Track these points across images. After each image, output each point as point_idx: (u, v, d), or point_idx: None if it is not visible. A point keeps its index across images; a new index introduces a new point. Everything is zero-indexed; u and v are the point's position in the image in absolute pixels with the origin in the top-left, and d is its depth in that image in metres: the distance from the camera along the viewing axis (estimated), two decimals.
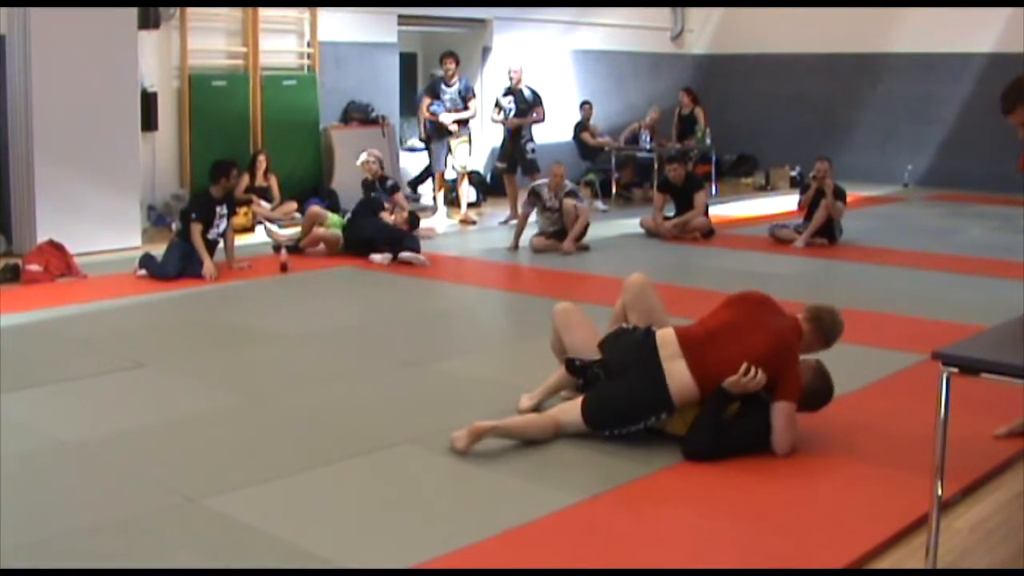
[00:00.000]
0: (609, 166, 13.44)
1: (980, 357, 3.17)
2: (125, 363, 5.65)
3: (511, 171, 11.53)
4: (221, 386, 5.28)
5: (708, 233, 10.29)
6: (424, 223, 10.11)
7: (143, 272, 7.98)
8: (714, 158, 14.20)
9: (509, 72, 11.57)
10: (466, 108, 11.12)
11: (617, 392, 4.40)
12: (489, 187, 13.05)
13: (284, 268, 8.27)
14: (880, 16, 14.79)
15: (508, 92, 11.50)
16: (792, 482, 4.12)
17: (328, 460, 4.26)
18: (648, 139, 13.31)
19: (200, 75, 10.79)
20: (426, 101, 11.18)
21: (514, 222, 10.30)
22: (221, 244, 8.30)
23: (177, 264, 7.92)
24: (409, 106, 13.59)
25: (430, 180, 12.28)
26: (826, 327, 4.51)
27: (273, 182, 10.93)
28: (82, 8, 8.80)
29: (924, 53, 14.63)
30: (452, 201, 11.79)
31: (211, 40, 11.00)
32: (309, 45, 11.77)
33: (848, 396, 4.92)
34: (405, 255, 8.65)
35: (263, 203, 10.70)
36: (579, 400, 4.48)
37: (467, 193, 11.60)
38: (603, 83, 15.07)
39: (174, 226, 9.08)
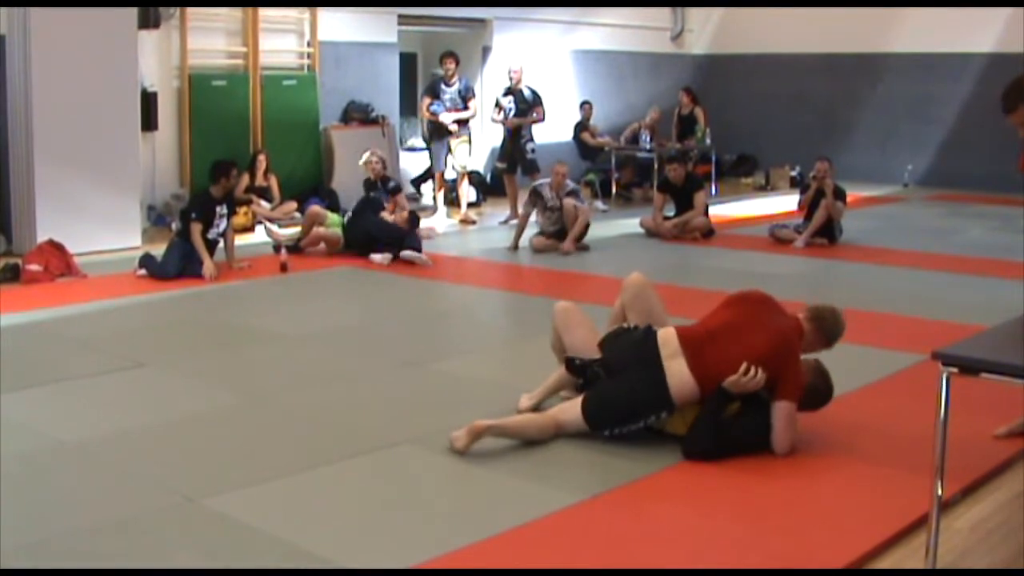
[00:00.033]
0: (609, 166, 13.44)
1: (980, 357, 3.17)
2: (125, 363, 5.65)
3: (511, 171, 11.54)
4: (221, 386, 5.28)
5: (708, 233, 10.29)
6: (424, 223, 10.10)
7: (143, 272, 7.98)
8: (714, 158, 14.20)
9: (509, 72, 11.57)
10: (466, 108, 11.12)
11: (617, 391, 4.39)
12: (489, 187, 13.05)
13: (284, 268, 8.27)
14: (880, 16, 14.79)
15: (508, 92, 11.51)
16: (792, 482, 4.11)
17: (328, 460, 4.26)
18: (648, 139, 13.30)
19: (200, 75, 10.79)
20: (426, 101, 11.19)
21: (514, 222, 10.30)
22: (221, 244, 8.30)
23: (177, 264, 7.93)
24: (409, 106, 13.59)
25: (431, 180, 12.29)
26: (828, 327, 4.50)
27: (273, 182, 10.93)
28: (82, 8, 8.80)
29: (924, 53, 14.63)
30: (452, 201, 11.80)
31: (211, 40, 11.01)
32: (309, 45, 11.77)
33: (848, 396, 4.92)
34: (407, 254, 8.64)
35: (263, 203, 10.70)
36: (579, 400, 4.48)
37: (467, 193, 11.60)
38: (603, 83, 15.07)
39: (174, 226, 9.08)
